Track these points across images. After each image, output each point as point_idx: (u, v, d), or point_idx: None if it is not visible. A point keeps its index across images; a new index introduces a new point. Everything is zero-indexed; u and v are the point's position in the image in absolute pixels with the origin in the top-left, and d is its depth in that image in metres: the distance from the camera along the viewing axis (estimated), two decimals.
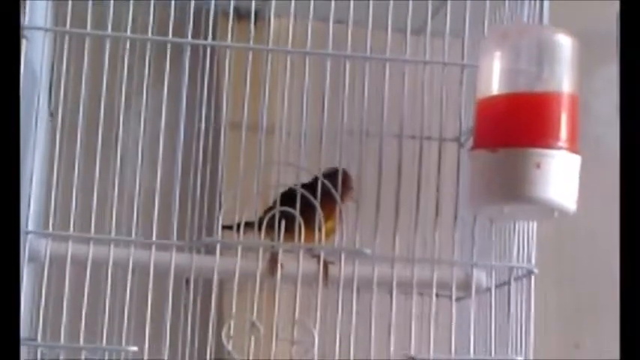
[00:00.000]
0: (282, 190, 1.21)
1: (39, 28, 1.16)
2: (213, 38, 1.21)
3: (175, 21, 1.19)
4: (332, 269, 1.20)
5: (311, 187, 1.19)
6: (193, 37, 1.19)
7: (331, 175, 1.20)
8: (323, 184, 1.18)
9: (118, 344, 1.15)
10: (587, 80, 1.52)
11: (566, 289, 1.53)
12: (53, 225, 1.16)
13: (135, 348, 1.14)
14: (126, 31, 1.18)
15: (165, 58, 1.18)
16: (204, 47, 1.22)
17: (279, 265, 1.19)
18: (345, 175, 1.22)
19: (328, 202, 1.19)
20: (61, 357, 1.13)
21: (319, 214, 1.17)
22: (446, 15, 1.23)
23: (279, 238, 1.16)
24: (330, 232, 1.20)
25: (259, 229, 1.17)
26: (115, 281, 1.16)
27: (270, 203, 1.22)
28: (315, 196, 1.17)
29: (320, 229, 1.17)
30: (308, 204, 1.17)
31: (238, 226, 1.17)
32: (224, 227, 1.18)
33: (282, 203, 1.19)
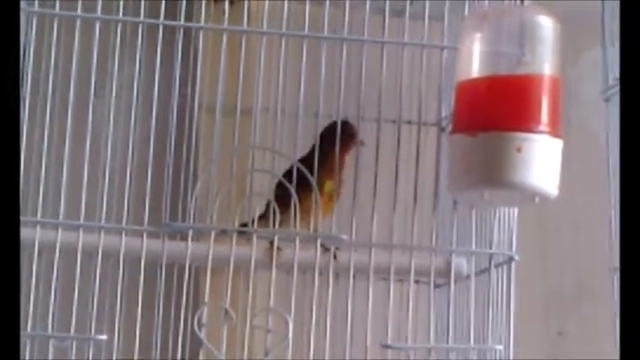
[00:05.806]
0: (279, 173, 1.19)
1: None
2: (190, 19, 1.18)
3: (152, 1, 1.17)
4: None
5: (305, 161, 1.16)
6: (170, 18, 1.16)
7: (330, 129, 1.20)
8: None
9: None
10: (572, 64, 1.51)
11: (549, 277, 1.51)
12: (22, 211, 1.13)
13: (104, 337, 1.12)
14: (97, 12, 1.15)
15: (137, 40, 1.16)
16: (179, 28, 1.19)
17: (274, 252, 1.16)
18: (345, 125, 1.20)
19: (326, 167, 1.19)
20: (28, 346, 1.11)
21: (315, 191, 1.14)
22: None
23: (274, 225, 1.14)
24: (330, 196, 1.21)
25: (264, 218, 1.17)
26: (87, 269, 1.14)
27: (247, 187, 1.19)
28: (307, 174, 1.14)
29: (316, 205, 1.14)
30: (302, 183, 1.15)
31: (253, 221, 1.16)
32: (242, 225, 1.16)
33: (281, 185, 1.16)
